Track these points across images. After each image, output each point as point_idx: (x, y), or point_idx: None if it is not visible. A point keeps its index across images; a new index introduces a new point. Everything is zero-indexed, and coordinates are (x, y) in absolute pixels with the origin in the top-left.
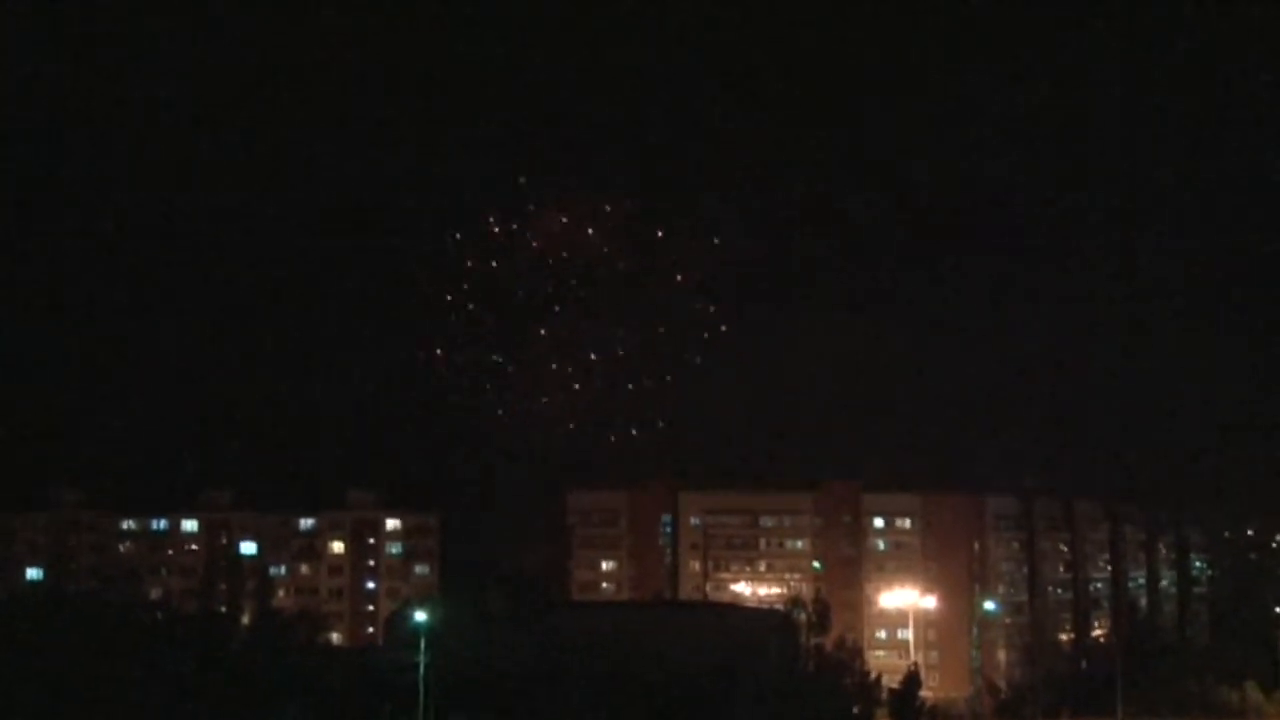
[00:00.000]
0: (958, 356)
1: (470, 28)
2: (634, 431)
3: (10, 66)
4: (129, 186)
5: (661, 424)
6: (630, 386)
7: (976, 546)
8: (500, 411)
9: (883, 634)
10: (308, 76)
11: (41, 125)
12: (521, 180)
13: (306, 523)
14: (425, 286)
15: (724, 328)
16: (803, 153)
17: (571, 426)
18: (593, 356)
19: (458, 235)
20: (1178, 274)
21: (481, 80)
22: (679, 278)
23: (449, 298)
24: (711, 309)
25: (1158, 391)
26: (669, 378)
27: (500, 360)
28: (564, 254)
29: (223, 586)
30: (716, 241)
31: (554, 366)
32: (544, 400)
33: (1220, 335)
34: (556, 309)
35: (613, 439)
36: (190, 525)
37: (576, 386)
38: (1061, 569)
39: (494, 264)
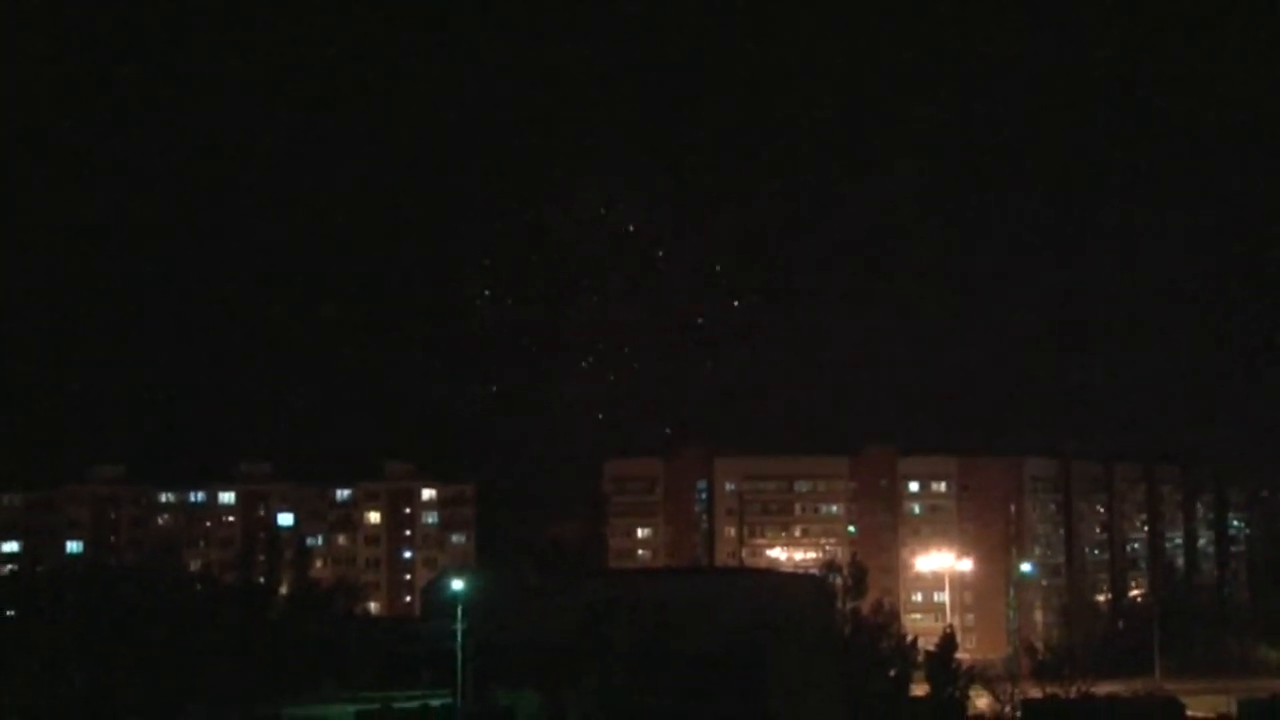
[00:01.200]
0: (995, 323)
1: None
2: (668, 401)
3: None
4: (172, 170)
5: (696, 394)
6: (665, 359)
7: (1013, 509)
8: (538, 383)
9: (919, 597)
10: (361, 71)
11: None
12: (558, 170)
13: (343, 493)
14: (467, 265)
15: (760, 299)
16: (834, 130)
17: (608, 397)
18: (627, 332)
19: (498, 222)
20: (1216, 242)
21: (521, 69)
22: (716, 267)
23: (488, 281)
24: (749, 290)
25: (1196, 353)
26: (703, 352)
27: (539, 335)
28: (600, 237)
29: (260, 558)
30: (750, 215)
31: (591, 340)
32: (581, 372)
33: (1261, 299)
34: (595, 287)
35: (649, 408)
36: (227, 497)
37: (613, 361)
38: (1099, 530)
39: (531, 247)
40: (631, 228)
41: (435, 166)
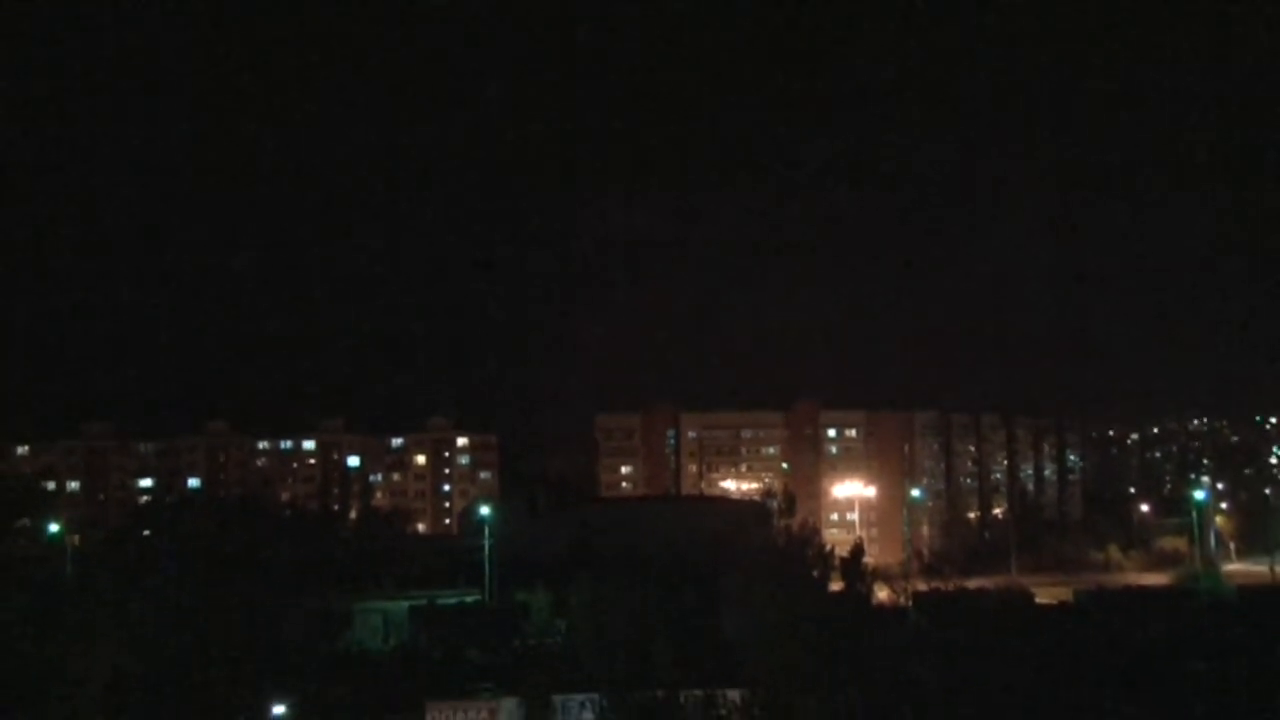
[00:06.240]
0: (893, 304)
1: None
2: (645, 368)
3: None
4: (253, 166)
5: (666, 362)
6: (643, 336)
7: (906, 449)
8: (546, 356)
9: (835, 517)
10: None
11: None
12: (563, 176)
13: (397, 441)
14: (493, 266)
15: (728, 284)
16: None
17: (599, 367)
18: (614, 316)
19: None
20: (1065, 238)
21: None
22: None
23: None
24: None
25: (1047, 326)
26: (672, 329)
27: (547, 319)
28: (599, 243)
29: (335, 491)
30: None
31: (593, 326)
32: (578, 347)
33: (1092, 287)
34: (600, 285)
35: (630, 374)
36: (309, 445)
37: (603, 339)
38: (970, 465)
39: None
40: (623, 233)
41: (465, 169)
